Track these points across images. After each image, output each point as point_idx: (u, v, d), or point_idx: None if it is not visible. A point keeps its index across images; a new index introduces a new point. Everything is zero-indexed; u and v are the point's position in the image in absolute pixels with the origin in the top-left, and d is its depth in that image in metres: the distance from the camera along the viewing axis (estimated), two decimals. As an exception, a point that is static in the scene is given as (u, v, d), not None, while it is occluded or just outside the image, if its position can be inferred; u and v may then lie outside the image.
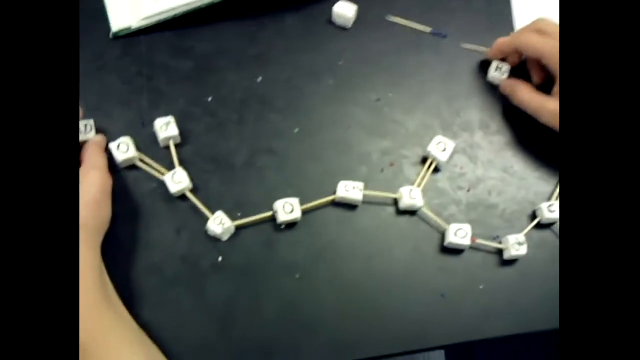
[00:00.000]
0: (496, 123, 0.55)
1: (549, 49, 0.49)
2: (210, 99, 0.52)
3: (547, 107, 0.50)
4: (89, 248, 0.41)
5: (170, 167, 0.48)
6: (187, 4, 0.54)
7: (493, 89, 0.56)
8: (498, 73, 0.55)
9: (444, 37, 0.58)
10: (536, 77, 0.55)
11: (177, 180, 0.47)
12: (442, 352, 0.86)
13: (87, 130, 0.48)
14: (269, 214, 0.48)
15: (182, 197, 0.48)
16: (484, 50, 0.57)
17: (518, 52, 0.55)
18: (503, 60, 0.56)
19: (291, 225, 0.48)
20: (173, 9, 0.54)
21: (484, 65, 0.56)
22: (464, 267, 0.48)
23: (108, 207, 0.45)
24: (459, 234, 0.48)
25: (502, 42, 0.54)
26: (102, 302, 0.40)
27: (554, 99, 0.51)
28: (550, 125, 0.51)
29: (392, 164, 0.52)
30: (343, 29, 0.57)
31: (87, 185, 0.44)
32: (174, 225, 0.47)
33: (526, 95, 0.52)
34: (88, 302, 0.39)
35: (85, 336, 0.37)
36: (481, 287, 0.48)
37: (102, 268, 0.42)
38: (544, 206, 0.50)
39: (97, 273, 0.41)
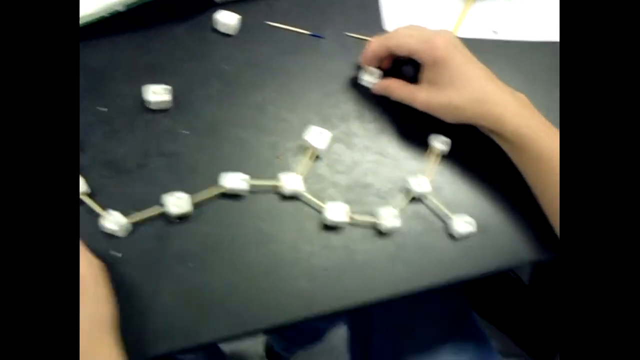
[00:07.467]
0: (371, 113, 0.61)
1: (416, 44, 0.56)
2: (105, 109, 0.56)
3: (417, 98, 0.57)
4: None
5: (69, 174, 0.52)
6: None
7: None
8: (371, 77, 0.61)
9: (322, 38, 0.64)
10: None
11: (75, 186, 0.51)
12: (346, 327, 0.91)
13: None
14: (161, 209, 0.52)
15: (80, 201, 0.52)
16: (366, 39, 0.63)
17: (390, 56, 0.60)
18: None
19: (185, 218, 0.53)
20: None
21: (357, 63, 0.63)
22: (344, 242, 0.54)
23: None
24: (336, 212, 0.53)
25: (375, 46, 0.59)
26: None
27: (422, 88, 0.57)
28: (425, 111, 0.58)
29: (278, 157, 0.57)
30: (227, 35, 0.62)
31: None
32: (75, 227, 0.51)
33: (400, 92, 0.59)
34: None
35: None
36: (360, 259, 0.54)
37: None
38: (413, 182, 0.56)
39: None
